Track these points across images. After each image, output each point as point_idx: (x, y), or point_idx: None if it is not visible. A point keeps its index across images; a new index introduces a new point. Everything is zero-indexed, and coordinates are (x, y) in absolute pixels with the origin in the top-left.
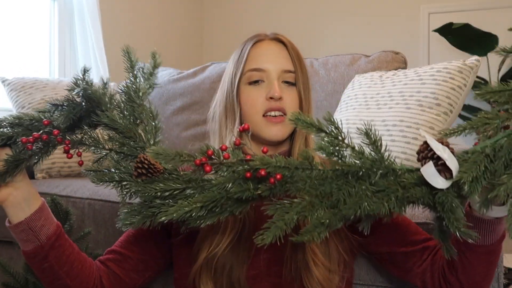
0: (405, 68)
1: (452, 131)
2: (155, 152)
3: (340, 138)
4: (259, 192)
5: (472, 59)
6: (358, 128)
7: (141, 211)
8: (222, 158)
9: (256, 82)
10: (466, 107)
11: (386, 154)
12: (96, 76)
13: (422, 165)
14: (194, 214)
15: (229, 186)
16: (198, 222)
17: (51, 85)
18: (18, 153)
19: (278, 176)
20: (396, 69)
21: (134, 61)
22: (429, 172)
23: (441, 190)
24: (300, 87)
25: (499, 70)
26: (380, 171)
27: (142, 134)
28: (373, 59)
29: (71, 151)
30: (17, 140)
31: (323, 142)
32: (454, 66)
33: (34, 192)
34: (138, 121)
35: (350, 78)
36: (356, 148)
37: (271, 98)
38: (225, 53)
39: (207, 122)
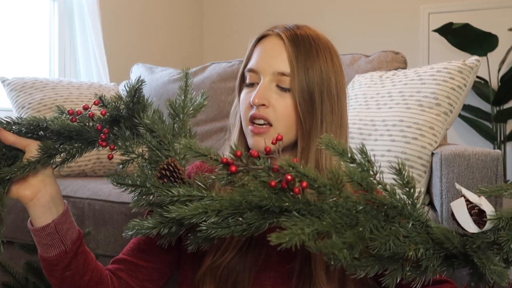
0: (405, 68)
1: (490, 191)
2: (185, 145)
3: (372, 173)
4: (281, 203)
5: (472, 59)
6: (390, 165)
7: (155, 218)
8: (248, 162)
9: (251, 84)
10: (466, 107)
11: (419, 204)
12: (96, 76)
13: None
14: (209, 217)
15: (250, 192)
16: (210, 231)
17: (51, 85)
18: (51, 143)
19: (304, 184)
20: (396, 69)
21: (190, 82)
22: (461, 211)
23: (471, 237)
24: (297, 93)
25: (499, 70)
26: (412, 221)
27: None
28: (373, 59)
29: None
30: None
31: (351, 168)
32: (454, 66)
33: (60, 191)
34: (175, 133)
35: (350, 78)
36: (388, 188)
37: (251, 104)
38: (225, 53)
39: (230, 117)
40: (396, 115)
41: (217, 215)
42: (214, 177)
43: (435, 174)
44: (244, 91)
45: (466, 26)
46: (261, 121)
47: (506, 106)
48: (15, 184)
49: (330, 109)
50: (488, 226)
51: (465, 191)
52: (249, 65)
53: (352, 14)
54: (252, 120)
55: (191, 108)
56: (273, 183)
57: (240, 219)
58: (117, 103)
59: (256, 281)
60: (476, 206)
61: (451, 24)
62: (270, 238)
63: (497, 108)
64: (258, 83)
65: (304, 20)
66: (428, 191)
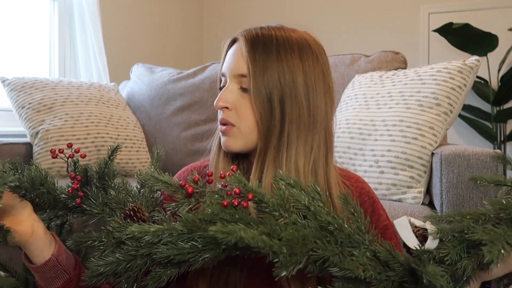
0: (405, 68)
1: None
2: (147, 174)
3: (321, 202)
4: (232, 218)
5: (472, 59)
6: (338, 196)
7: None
8: (202, 185)
9: (222, 88)
10: (466, 107)
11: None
12: (96, 76)
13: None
14: (164, 237)
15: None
16: (167, 252)
17: (51, 85)
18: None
19: (250, 196)
20: (396, 69)
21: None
22: (403, 229)
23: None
24: (255, 94)
25: (499, 70)
26: (363, 248)
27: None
28: (373, 59)
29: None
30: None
31: (297, 193)
32: (454, 66)
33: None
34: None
35: (350, 78)
36: (336, 216)
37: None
38: None
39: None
40: (396, 115)
41: (172, 235)
42: (175, 204)
43: (435, 174)
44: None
45: (466, 26)
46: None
47: (506, 106)
48: (10, 225)
49: (296, 113)
50: (431, 243)
51: (413, 220)
52: (221, 69)
53: (352, 14)
54: (220, 123)
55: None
56: (225, 203)
57: (199, 240)
58: (89, 172)
59: (247, 281)
60: (422, 228)
61: (451, 24)
62: (210, 228)
63: (497, 108)
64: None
65: (304, 21)
66: (428, 191)
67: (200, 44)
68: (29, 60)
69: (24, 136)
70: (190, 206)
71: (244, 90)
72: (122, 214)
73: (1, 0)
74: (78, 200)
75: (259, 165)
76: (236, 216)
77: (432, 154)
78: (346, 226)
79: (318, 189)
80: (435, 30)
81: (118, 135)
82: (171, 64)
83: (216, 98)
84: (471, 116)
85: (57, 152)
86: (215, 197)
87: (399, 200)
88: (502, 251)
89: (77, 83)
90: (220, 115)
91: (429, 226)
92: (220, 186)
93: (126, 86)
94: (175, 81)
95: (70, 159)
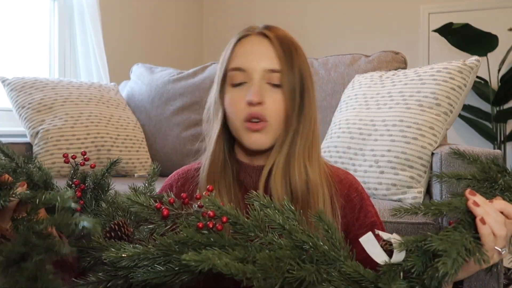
0: (405, 68)
1: (405, 211)
2: (124, 197)
3: (296, 222)
4: (207, 241)
5: (472, 59)
6: (311, 214)
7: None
8: (178, 207)
9: (239, 84)
10: (466, 107)
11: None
12: (96, 76)
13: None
14: (140, 260)
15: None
16: (144, 275)
17: (51, 85)
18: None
19: (224, 219)
20: (396, 69)
21: (154, 180)
22: (370, 245)
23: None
24: (287, 89)
25: (499, 70)
26: (338, 266)
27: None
28: (373, 59)
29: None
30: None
31: (272, 213)
32: (454, 66)
33: None
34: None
35: (350, 78)
36: (311, 234)
37: (249, 103)
38: None
39: (203, 123)
40: (396, 115)
41: (148, 258)
42: (152, 226)
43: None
44: (232, 91)
45: (466, 26)
46: (257, 119)
47: (506, 106)
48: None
49: (308, 104)
50: (397, 256)
51: (381, 233)
52: (235, 64)
53: (352, 14)
54: (250, 119)
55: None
56: (200, 225)
57: (176, 263)
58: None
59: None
60: (388, 241)
61: (451, 24)
62: (182, 257)
63: (497, 108)
64: (247, 82)
65: (304, 20)
66: (428, 191)
67: (200, 44)
68: (29, 60)
69: (24, 136)
70: (167, 227)
71: (273, 85)
72: (107, 228)
73: (1, 0)
74: (78, 208)
75: (275, 159)
76: (211, 239)
77: (432, 154)
78: (321, 243)
79: (292, 207)
80: (435, 30)
81: (118, 135)
82: (171, 64)
83: (250, 93)
84: (471, 116)
85: (69, 157)
86: (190, 218)
87: (399, 200)
88: (459, 259)
89: (77, 83)
90: (247, 110)
91: (394, 239)
92: (196, 207)
93: (126, 86)
94: (175, 81)
95: (76, 165)
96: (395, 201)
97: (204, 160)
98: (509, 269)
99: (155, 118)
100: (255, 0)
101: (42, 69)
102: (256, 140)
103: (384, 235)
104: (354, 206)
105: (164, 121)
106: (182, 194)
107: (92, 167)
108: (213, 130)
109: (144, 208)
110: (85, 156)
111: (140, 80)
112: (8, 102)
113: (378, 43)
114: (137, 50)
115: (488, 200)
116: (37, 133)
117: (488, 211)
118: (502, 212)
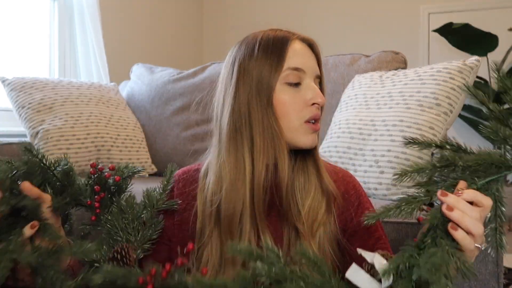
0: (405, 68)
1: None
2: (106, 271)
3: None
4: None
5: (472, 59)
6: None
7: None
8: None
9: (296, 84)
10: (466, 107)
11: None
12: (96, 76)
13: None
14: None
15: None
16: None
17: (51, 85)
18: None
19: None
20: (396, 69)
21: (172, 181)
22: (358, 277)
23: None
24: (325, 91)
25: (499, 70)
26: None
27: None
28: (373, 59)
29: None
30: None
31: (259, 265)
32: (454, 66)
33: None
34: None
35: (350, 78)
36: (300, 274)
37: (314, 104)
38: (225, 53)
39: (212, 121)
40: (396, 115)
41: None
42: None
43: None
44: (289, 89)
45: (466, 26)
46: (314, 120)
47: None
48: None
49: None
50: (385, 282)
51: (364, 254)
52: (295, 64)
53: (352, 14)
54: (312, 119)
55: (163, 204)
56: None
57: None
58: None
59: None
60: (372, 265)
61: (451, 24)
62: None
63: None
64: (300, 83)
65: (304, 20)
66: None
67: (200, 44)
68: (29, 60)
69: (24, 136)
70: None
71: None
72: (110, 255)
73: (1, 0)
74: (93, 217)
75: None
76: None
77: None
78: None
79: (276, 250)
80: (435, 30)
81: (118, 135)
82: (171, 64)
83: (315, 94)
84: (471, 116)
85: (97, 169)
86: None
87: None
88: (448, 283)
89: (77, 83)
90: (310, 110)
91: (377, 261)
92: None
93: (126, 86)
94: (175, 81)
95: (102, 174)
96: (395, 201)
97: (222, 177)
98: (509, 269)
99: (155, 118)
100: (255, 0)
101: (42, 69)
102: (314, 140)
103: (367, 256)
104: (352, 203)
105: (164, 121)
106: (189, 244)
107: (111, 169)
108: (246, 127)
109: (128, 279)
110: (109, 166)
111: (140, 80)
112: (8, 102)
113: (378, 43)
114: (137, 50)
115: (457, 193)
116: (37, 133)
117: (463, 209)
118: (472, 202)
